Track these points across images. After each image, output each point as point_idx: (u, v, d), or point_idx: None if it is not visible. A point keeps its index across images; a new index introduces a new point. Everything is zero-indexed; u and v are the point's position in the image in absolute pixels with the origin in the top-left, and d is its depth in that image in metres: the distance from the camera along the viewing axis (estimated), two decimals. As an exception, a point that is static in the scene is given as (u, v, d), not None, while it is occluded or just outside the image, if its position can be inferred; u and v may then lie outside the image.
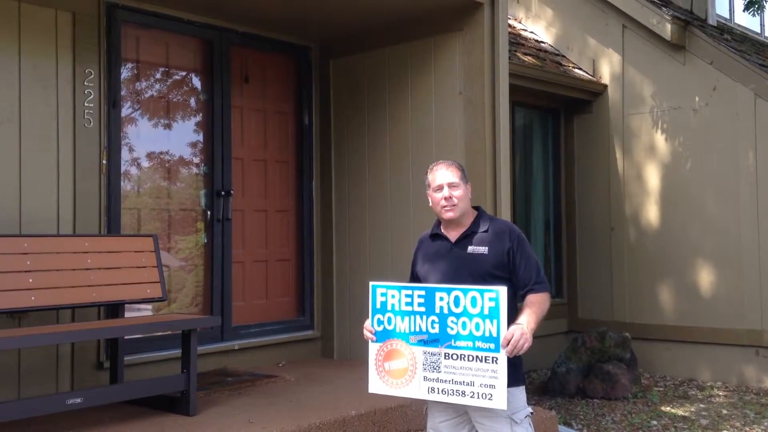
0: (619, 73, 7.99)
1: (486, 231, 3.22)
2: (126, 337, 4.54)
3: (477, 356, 2.92)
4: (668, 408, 6.20)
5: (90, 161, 4.80)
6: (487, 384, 2.89)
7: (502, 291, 2.91)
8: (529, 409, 3.17)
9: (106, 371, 4.65)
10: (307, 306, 6.16)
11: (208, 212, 5.60)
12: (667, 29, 7.48)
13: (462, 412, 3.19)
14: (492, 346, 2.90)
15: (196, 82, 5.70)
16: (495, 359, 2.89)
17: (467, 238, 3.23)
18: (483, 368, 2.90)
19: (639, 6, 7.73)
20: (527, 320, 2.99)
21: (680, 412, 6.08)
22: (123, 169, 5.12)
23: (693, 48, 7.50)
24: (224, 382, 5.00)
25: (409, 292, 3.09)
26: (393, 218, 5.76)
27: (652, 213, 7.72)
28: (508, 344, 2.87)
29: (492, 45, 5.28)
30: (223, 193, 5.61)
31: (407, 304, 3.08)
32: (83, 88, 4.76)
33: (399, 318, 3.09)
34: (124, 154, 5.15)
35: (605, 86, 8.08)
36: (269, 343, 5.78)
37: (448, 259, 3.23)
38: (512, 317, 3.02)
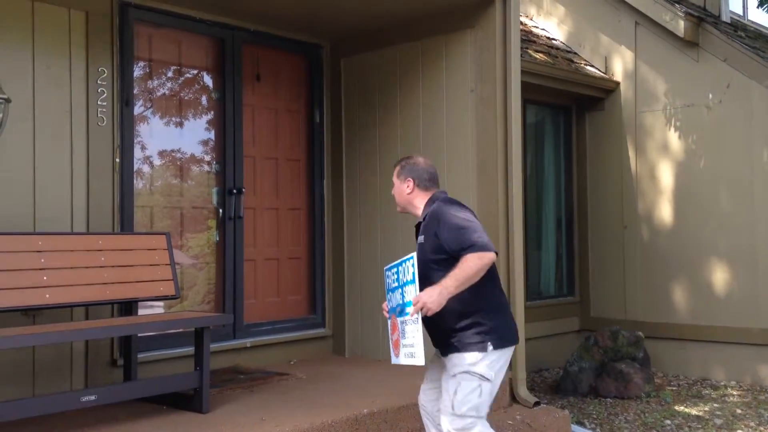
0: (632, 70, 7.94)
1: (425, 218, 3.43)
2: (139, 335, 4.57)
3: (411, 320, 3.22)
4: (682, 407, 6.16)
5: (103, 159, 4.82)
6: (410, 344, 3.19)
7: (414, 257, 3.21)
8: (468, 368, 3.26)
9: (120, 369, 4.69)
10: (319, 304, 6.16)
11: (220, 210, 5.61)
12: (680, 26, 7.42)
13: (438, 379, 3.46)
14: (412, 309, 3.21)
15: (208, 80, 5.72)
16: (416, 320, 3.16)
17: (419, 228, 3.49)
18: (413, 330, 3.18)
19: (652, 2, 7.68)
20: (443, 283, 3.14)
21: (694, 411, 6.05)
22: (136, 167, 5.14)
23: (706, 45, 7.44)
24: (237, 379, 5.01)
25: (391, 272, 3.43)
26: (404, 216, 5.74)
27: (665, 211, 7.67)
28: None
29: (504, 42, 5.25)
30: (234, 191, 5.63)
31: (393, 281, 3.41)
32: (96, 87, 4.78)
33: (390, 294, 3.45)
34: (137, 153, 5.17)
35: (617, 83, 8.04)
36: (281, 341, 5.80)
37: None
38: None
